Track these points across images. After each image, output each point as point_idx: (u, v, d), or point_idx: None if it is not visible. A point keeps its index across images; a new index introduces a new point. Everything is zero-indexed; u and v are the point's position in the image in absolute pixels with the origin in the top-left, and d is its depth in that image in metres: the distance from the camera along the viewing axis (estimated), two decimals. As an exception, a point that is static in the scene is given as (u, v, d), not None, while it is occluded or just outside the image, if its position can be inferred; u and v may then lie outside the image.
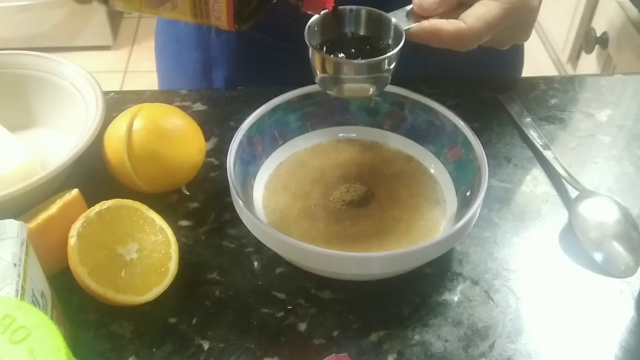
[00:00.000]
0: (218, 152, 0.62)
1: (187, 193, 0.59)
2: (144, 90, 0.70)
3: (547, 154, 0.61)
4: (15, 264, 0.39)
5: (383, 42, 0.53)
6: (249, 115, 0.56)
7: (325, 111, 0.60)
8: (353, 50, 0.52)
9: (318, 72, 0.52)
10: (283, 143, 0.59)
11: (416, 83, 0.61)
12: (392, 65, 0.51)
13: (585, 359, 0.48)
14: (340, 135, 0.61)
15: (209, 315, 0.50)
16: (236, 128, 0.55)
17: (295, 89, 0.59)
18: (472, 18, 0.51)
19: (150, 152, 0.54)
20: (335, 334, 0.49)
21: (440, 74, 0.67)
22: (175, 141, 0.55)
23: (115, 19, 2.29)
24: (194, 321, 0.49)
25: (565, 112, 0.67)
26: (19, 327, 0.32)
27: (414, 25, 0.52)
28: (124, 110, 0.57)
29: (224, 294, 0.51)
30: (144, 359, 0.47)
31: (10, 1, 2.13)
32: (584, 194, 0.57)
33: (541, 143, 0.62)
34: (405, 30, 0.51)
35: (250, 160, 0.56)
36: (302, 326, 0.49)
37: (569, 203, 0.58)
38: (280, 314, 0.50)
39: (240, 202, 0.50)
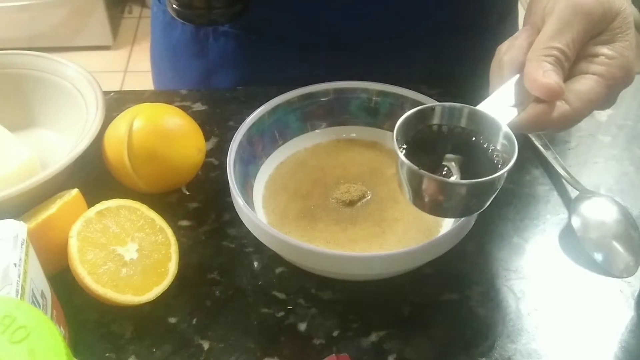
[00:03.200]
0: (218, 152, 0.62)
1: (187, 193, 0.59)
2: (144, 90, 0.70)
3: (547, 154, 0.61)
4: (15, 264, 0.39)
5: (488, 146, 0.44)
6: (249, 115, 0.56)
7: (325, 111, 0.60)
8: (453, 159, 0.44)
9: (407, 186, 0.44)
10: (283, 143, 0.59)
11: (416, 83, 0.61)
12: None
13: (585, 359, 0.48)
14: (340, 135, 0.61)
15: (209, 315, 0.50)
16: (236, 128, 0.55)
17: (295, 89, 0.59)
18: (576, 98, 0.45)
19: (150, 152, 0.54)
20: (335, 334, 0.49)
21: (441, 73, 0.67)
22: (175, 141, 0.55)
23: (115, 19, 2.29)
24: (194, 321, 0.49)
25: (565, 112, 0.67)
26: (19, 327, 0.32)
27: (515, 118, 0.44)
28: (124, 110, 0.57)
29: (224, 294, 0.51)
30: (144, 359, 0.47)
31: (10, 1, 2.13)
32: (584, 194, 0.57)
33: (541, 143, 0.62)
34: (507, 124, 0.43)
35: (250, 160, 0.56)
36: (302, 326, 0.49)
37: (569, 203, 0.58)
38: (280, 314, 0.50)
39: (240, 202, 0.50)
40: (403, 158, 0.42)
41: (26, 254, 0.41)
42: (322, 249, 0.48)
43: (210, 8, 0.60)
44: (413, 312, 0.50)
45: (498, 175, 0.41)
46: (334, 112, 0.60)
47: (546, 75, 0.43)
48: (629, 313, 0.50)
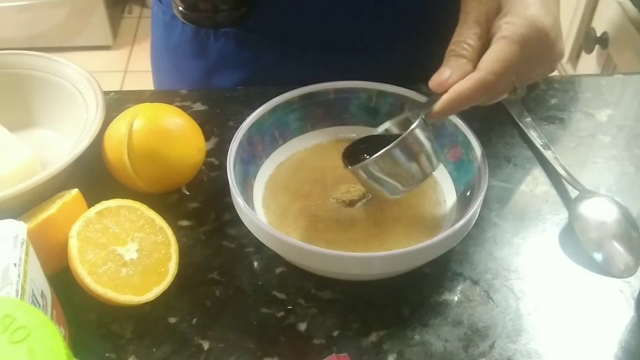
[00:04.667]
0: (218, 152, 0.62)
1: (187, 193, 0.59)
2: (144, 90, 0.70)
3: (547, 154, 0.61)
4: (15, 264, 0.39)
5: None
6: (249, 115, 0.56)
7: (325, 111, 0.60)
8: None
9: (373, 185, 0.51)
10: (283, 143, 0.59)
11: (416, 83, 0.61)
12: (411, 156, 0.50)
13: (585, 359, 0.48)
14: (340, 135, 0.61)
15: (209, 315, 0.50)
16: (236, 128, 0.55)
17: (295, 89, 0.59)
18: (486, 62, 0.48)
19: (150, 152, 0.54)
20: (335, 334, 0.49)
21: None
22: (175, 141, 0.55)
23: (115, 19, 2.29)
24: (194, 321, 0.49)
25: (565, 112, 0.67)
26: (19, 327, 0.32)
27: (436, 104, 0.50)
28: (124, 110, 0.57)
29: (224, 294, 0.51)
30: (144, 359, 0.47)
31: (10, 1, 2.13)
32: (584, 194, 0.57)
33: (541, 143, 0.62)
34: (428, 112, 0.50)
35: (250, 160, 0.56)
36: (302, 326, 0.49)
37: (569, 203, 0.58)
38: (280, 314, 0.50)
39: (240, 202, 0.50)
40: (353, 168, 0.50)
41: (26, 254, 0.41)
42: (322, 249, 0.48)
43: (216, 11, 0.61)
44: (413, 312, 0.50)
45: (396, 142, 0.48)
46: (334, 112, 0.60)
47: (438, 72, 0.50)
48: (629, 313, 0.50)
